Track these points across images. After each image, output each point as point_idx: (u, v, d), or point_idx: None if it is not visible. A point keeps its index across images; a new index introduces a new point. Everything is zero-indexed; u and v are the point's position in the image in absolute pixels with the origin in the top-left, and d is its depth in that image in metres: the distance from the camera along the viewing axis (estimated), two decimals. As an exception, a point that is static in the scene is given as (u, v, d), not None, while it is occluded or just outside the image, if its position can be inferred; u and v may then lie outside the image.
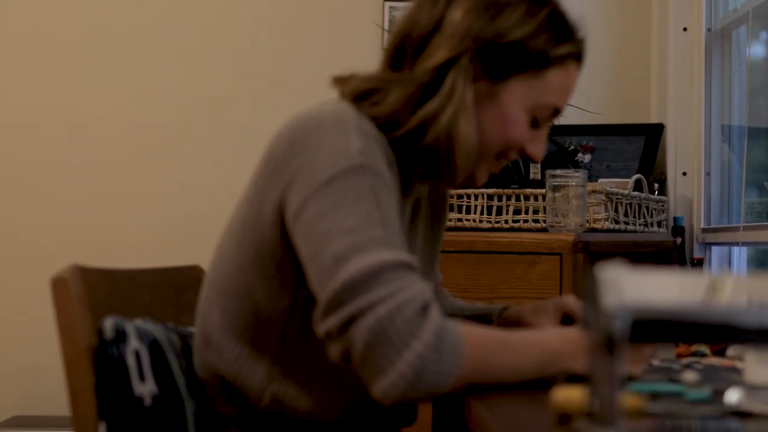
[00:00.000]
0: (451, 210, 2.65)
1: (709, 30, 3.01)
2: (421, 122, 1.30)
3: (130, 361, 1.29)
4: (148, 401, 1.29)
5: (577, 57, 1.36)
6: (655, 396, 1.11)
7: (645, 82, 3.17)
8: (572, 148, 2.84)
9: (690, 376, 1.23)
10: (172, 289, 1.65)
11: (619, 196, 2.63)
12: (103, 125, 3.25)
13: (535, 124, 1.36)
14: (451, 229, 2.62)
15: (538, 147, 1.37)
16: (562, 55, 1.32)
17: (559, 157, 2.77)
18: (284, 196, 1.24)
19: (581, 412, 0.90)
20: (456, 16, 1.31)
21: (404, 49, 1.34)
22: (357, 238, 1.14)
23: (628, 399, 0.95)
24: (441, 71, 1.29)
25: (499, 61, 1.31)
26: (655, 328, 0.84)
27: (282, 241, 1.26)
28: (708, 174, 3.00)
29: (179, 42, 3.27)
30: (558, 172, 2.43)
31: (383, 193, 1.20)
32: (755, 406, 0.97)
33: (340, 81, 1.39)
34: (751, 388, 1.10)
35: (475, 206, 2.62)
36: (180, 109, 3.26)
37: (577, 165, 2.83)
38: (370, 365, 1.10)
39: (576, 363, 1.17)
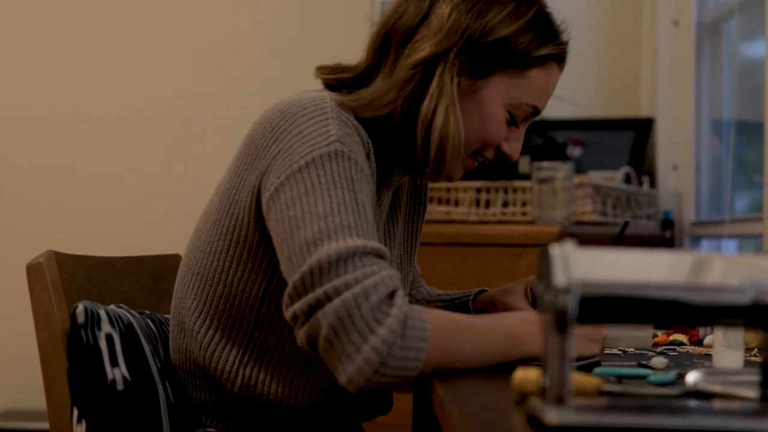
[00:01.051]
0: (440, 203, 2.66)
1: (699, 24, 3.01)
2: (413, 118, 1.31)
3: (103, 345, 1.30)
4: (120, 386, 1.29)
5: (559, 59, 1.37)
6: (621, 380, 1.11)
7: (636, 76, 3.18)
8: (562, 141, 2.84)
9: (658, 360, 1.24)
10: (151, 277, 1.66)
11: (607, 189, 2.63)
12: (88, 116, 3.25)
13: (512, 122, 1.37)
14: (439, 222, 2.63)
15: (513, 146, 1.38)
16: (544, 56, 1.33)
17: (549, 150, 2.77)
18: (261, 181, 1.25)
19: (536, 391, 0.91)
20: (444, 11, 1.31)
21: (389, 40, 1.35)
22: (328, 224, 1.15)
23: (586, 379, 0.96)
24: (429, 66, 1.30)
25: (482, 57, 1.31)
26: (609, 307, 0.84)
27: (257, 225, 1.27)
28: (698, 168, 3.01)
29: (165, 36, 3.28)
30: (544, 164, 2.44)
31: (358, 181, 1.21)
32: (713, 386, 0.98)
33: (323, 70, 1.40)
34: (714, 371, 1.11)
35: (464, 199, 2.63)
36: (167, 103, 3.26)
37: (567, 159, 2.83)
38: (336, 350, 1.10)
39: (538, 345, 1.18)
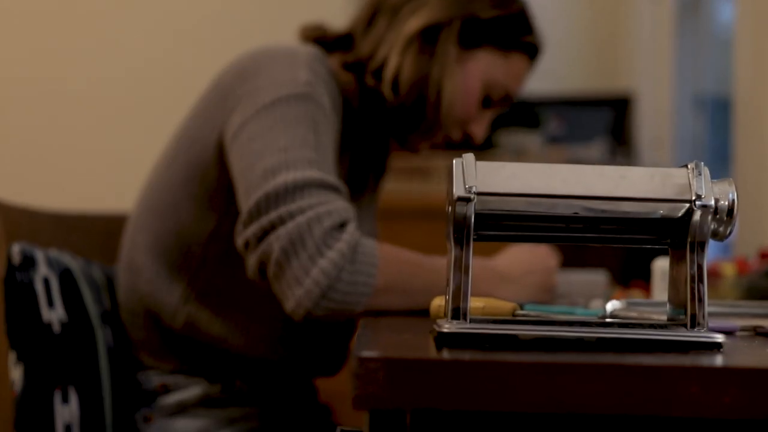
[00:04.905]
0: (415, 175, 2.66)
1: (680, -1, 3.01)
2: (419, 82, 1.34)
3: (39, 287, 1.29)
4: (56, 328, 1.29)
5: (534, 55, 1.43)
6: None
7: (616, 53, 3.17)
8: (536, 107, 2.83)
9: (596, 303, 1.23)
10: (104, 234, 1.64)
11: (583, 162, 2.62)
12: (58, 81, 3.24)
13: (485, 104, 1.41)
14: (414, 194, 2.63)
15: (480, 129, 1.43)
16: (526, 44, 1.41)
17: (521, 115, 2.75)
18: (227, 119, 1.27)
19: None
20: None
21: (381, 7, 1.38)
22: (288, 156, 1.17)
23: (502, 303, 0.95)
24: (433, 31, 1.34)
25: (475, 31, 1.37)
26: (510, 220, 0.83)
27: (217, 164, 1.29)
28: (678, 143, 3.00)
29: (146, 9, 3.27)
30: (518, 134, 2.43)
31: (322, 123, 1.23)
32: (629, 312, 0.97)
33: (308, 30, 1.43)
34: (637, 302, 1.10)
35: (439, 170, 2.62)
36: (146, 78, 3.25)
37: (538, 125, 2.81)
38: (285, 274, 1.11)
39: (483, 286, 1.19)
